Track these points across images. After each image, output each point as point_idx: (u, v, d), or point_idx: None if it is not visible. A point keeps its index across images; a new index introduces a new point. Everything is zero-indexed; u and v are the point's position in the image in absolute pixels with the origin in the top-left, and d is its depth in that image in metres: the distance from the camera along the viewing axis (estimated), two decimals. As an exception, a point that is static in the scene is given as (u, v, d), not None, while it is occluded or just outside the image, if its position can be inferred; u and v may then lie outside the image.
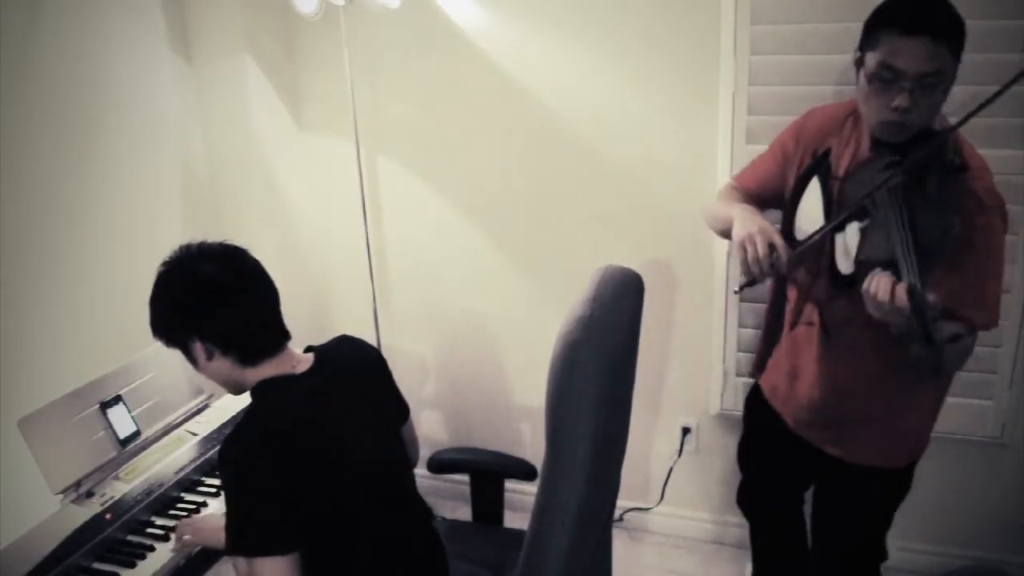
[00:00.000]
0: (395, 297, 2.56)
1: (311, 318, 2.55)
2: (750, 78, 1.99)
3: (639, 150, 2.17)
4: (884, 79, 1.31)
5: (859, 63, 1.39)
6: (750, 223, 1.46)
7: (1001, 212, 1.36)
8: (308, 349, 1.39)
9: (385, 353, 2.50)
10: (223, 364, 1.30)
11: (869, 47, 1.34)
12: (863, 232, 1.37)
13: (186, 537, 1.52)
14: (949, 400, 2.04)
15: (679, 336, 2.31)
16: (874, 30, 1.33)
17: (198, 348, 1.29)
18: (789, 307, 1.63)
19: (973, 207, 1.30)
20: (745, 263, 1.43)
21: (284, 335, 1.34)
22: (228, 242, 1.33)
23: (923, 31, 1.25)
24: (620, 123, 2.17)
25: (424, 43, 2.26)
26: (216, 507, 1.68)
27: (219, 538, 1.40)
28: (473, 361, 2.55)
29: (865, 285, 1.24)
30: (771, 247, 1.41)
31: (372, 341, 2.46)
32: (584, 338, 1.22)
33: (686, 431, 2.38)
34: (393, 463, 1.45)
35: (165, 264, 1.31)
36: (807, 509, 1.86)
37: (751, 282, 1.46)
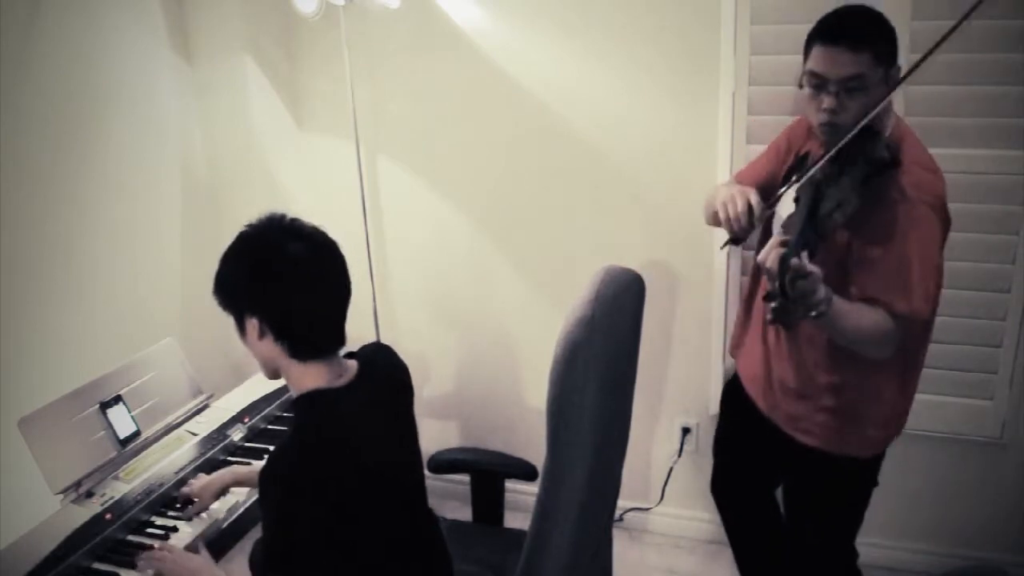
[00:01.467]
0: (395, 297, 2.56)
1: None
2: (750, 78, 1.99)
3: (639, 150, 2.17)
4: (814, 85, 1.47)
5: (801, 76, 1.53)
6: (729, 188, 1.63)
7: (933, 206, 1.44)
8: (348, 355, 1.34)
9: (385, 353, 2.51)
10: (271, 348, 1.22)
11: (805, 57, 1.50)
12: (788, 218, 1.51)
13: (157, 565, 1.41)
14: (949, 400, 2.05)
15: (679, 336, 2.31)
16: (808, 42, 1.50)
17: (252, 324, 1.21)
18: (761, 301, 1.70)
19: (898, 198, 1.42)
20: (727, 221, 1.57)
21: (341, 340, 1.26)
22: (322, 228, 1.26)
23: (840, 41, 1.42)
24: (620, 123, 2.17)
25: (424, 43, 2.26)
26: (205, 518, 1.63)
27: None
28: (473, 361, 2.55)
29: (760, 256, 1.36)
30: (748, 204, 1.55)
31: (372, 341, 2.46)
32: (585, 338, 1.22)
33: (686, 431, 2.38)
34: (414, 474, 1.43)
35: (252, 227, 1.22)
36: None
37: (733, 240, 1.61)
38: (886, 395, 1.60)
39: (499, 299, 2.45)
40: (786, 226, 1.47)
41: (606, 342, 1.23)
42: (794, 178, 1.54)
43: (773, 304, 1.27)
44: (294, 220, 1.24)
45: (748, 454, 1.90)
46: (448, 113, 2.32)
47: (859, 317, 1.41)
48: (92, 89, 1.97)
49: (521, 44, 2.18)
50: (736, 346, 1.87)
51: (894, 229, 1.42)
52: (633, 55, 2.10)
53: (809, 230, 1.37)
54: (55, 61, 1.86)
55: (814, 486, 1.71)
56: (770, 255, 1.31)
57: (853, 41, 1.41)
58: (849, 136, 1.42)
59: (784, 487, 1.84)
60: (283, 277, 1.19)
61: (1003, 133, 1.84)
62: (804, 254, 1.26)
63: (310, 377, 1.24)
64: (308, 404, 1.23)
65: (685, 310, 2.28)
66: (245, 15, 2.25)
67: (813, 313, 1.28)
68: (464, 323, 2.52)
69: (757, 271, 1.77)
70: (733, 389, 1.88)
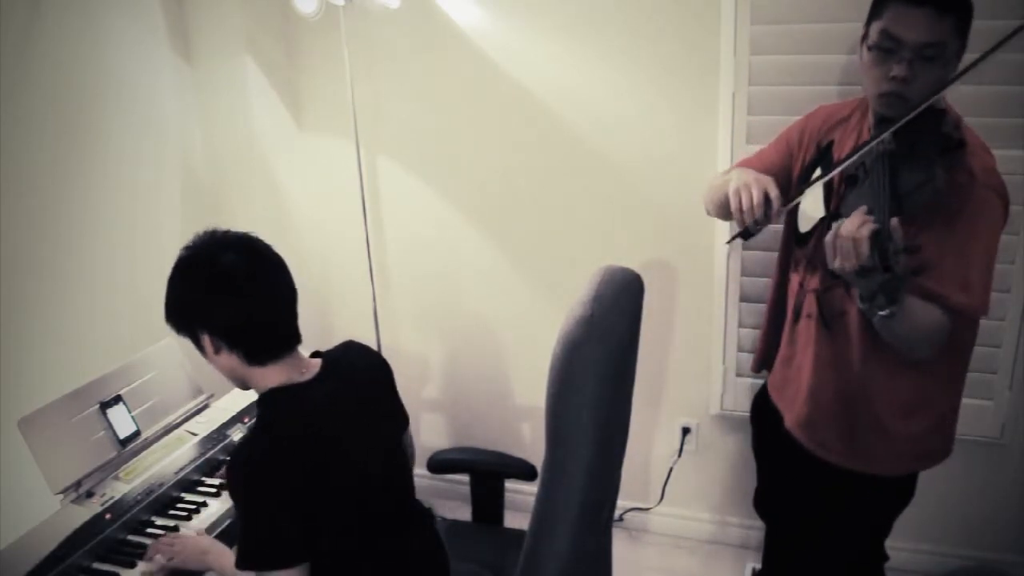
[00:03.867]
0: (395, 297, 2.56)
1: (311, 318, 2.54)
2: (750, 78, 1.99)
3: (639, 149, 2.17)
4: (884, 48, 1.31)
5: (864, 37, 1.38)
6: (746, 175, 1.46)
7: (1000, 194, 1.34)
8: (315, 354, 1.37)
9: (385, 353, 2.51)
10: (230, 359, 1.27)
11: (874, 16, 1.34)
12: (846, 196, 1.37)
13: (158, 557, 1.45)
14: (949, 400, 2.05)
15: (679, 336, 2.31)
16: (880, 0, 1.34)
17: (207, 340, 1.26)
18: (791, 301, 1.62)
19: (965, 181, 1.30)
20: (739, 211, 1.43)
21: (294, 338, 1.31)
22: (253, 235, 1.30)
23: (926, 1, 1.26)
24: (620, 123, 2.17)
25: (424, 43, 2.26)
26: (205, 518, 1.65)
27: (201, 560, 1.40)
28: (473, 361, 2.55)
29: (831, 232, 1.22)
30: (765, 196, 1.40)
31: (372, 341, 2.46)
32: (584, 338, 1.22)
33: (686, 431, 2.38)
34: (396, 470, 1.44)
35: (187, 248, 1.27)
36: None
37: (743, 233, 1.46)
38: (926, 411, 1.48)
39: (499, 299, 2.45)
40: (853, 204, 1.30)
41: (606, 342, 1.23)
42: (835, 167, 1.38)
43: (878, 280, 1.13)
44: (226, 232, 1.28)
45: (781, 468, 1.78)
46: (448, 113, 2.32)
47: (918, 314, 1.27)
48: (92, 89, 1.97)
49: (521, 44, 2.18)
50: (766, 363, 1.76)
51: (960, 215, 1.28)
52: (633, 55, 2.10)
53: (894, 205, 1.22)
54: (55, 61, 1.86)
55: (843, 504, 1.57)
56: (856, 229, 1.15)
57: (938, 2, 1.26)
58: (921, 109, 1.27)
59: (815, 496, 1.68)
60: (222, 289, 1.23)
61: (1003, 133, 1.83)
62: (896, 221, 1.13)
63: (271, 378, 1.28)
64: (270, 399, 1.27)
65: (685, 310, 2.28)
66: (245, 15, 2.25)
67: (884, 312, 1.17)
68: (464, 323, 2.52)
69: (782, 278, 1.68)
70: (761, 399, 1.79)
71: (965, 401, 2.00)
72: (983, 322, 1.94)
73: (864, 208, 1.22)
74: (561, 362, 1.24)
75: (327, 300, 2.63)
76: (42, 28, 1.83)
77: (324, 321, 2.62)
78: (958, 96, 1.84)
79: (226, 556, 1.38)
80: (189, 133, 2.31)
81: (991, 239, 1.34)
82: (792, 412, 1.62)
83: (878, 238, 1.13)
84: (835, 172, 1.40)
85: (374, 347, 2.46)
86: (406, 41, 2.28)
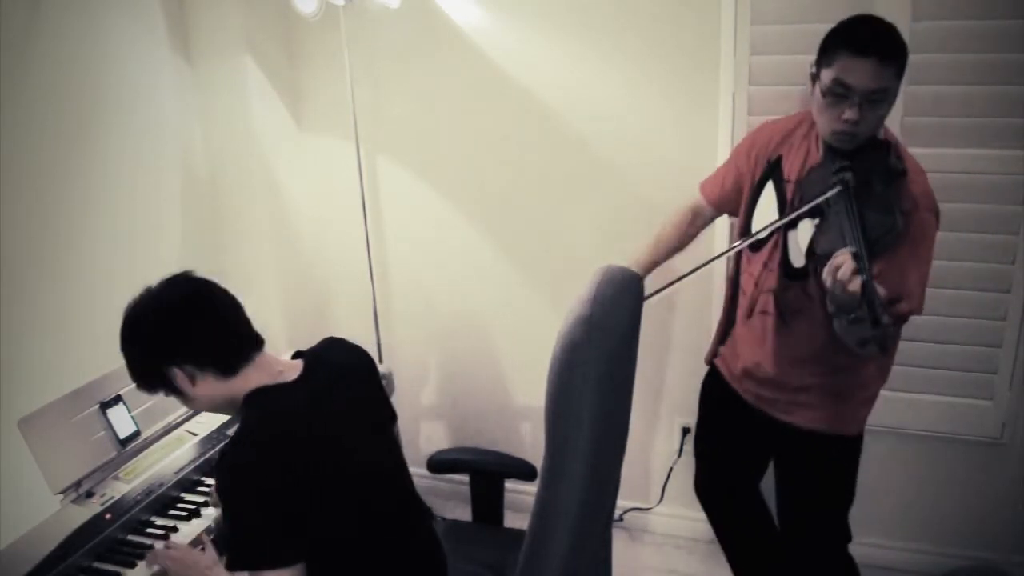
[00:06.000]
0: (395, 297, 2.56)
1: (312, 318, 2.55)
2: (750, 78, 1.99)
3: (639, 149, 2.17)
4: (837, 94, 1.45)
5: (814, 78, 1.52)
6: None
7: (935, 213, 1.52)
8: (296, 355, 1.38)
9: (385, 353, 2.51)
10: (207, 384, 1.28)
11: (825, 64, 1.47)
12: (818, 228, 1.52)
13: (165, 563, 1.42)
14: (949, 400, 2.06)
15: (679, 336, 2.31)
16: (831, 49, 1.46)
17: (179, 377, 1.27)
18: (745, 299, 1.74)
19: (910, 207, 1.46)
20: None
21: (257, 340, 1.33)
22: (171, 275, 1.34)
23: (872, 53, 1.40)
24: (620, 123, 2.17)
25: (424, 43, 2.26)
26: (204, 518, 1.64)
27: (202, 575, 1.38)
28: (473, 361, 2.55)
29: (828, 266, 1.35)
30: None
31: (372, 341, 2.46)
32: (584, 338, 1.22)
33: (686, 431, 2.38)
34: (390, 465, 1.44)
35: (128, 308, 1.31)
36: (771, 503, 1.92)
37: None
38: (873, 378, 1.69)
39: (499, 299, 2.45)
40: (828, 241, 1.46)
41: (605, 342, 1.23)
42: (799, 213, 1.53)
43: (872, 333, 1.28)
44: (149, 286, 1.32)
45: (732, 450, 1.94)
46: (448, 113, 2.32)
47: None
48: (92, 89, 1.97)
49: (521, 44, 2.18)
50: (715, 354, 1.91)
51: (903, 240, 1.44)
52: (633, 55, 2.10)
53: (867, 252, 1.36)
54: (55, 61, 1.86)
55: (810, 468, 1.75)
56: (848, 280, 1.29)
57: (884, 54, 1.41)
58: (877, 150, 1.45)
59: (777, 476, 1.85)
60: (170, 317, 1.28)
61: (1003, 133, 1.84)
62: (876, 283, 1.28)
63: (252, 382, 1.30)
64: (253, 399, 1.28)
65: (685, 310, 2.28)
66: (245, 15, 2.25)
67: (865, 351, 1.33)
68: (464, 323, 2.52)
69: (735, 275, 1.80)
70: (713, 384, 1.93)
71: (965, 401, 2.05)
72: (983, 322, 1.98)
73: (852, 264, 1.33)
74: (561, 362, 1.24)
75: (327, 300, 2.63)
76: (42, 28, 1.83)
77: (324, 321, 2.61)
78: (959, 97, 1.85)
79: None
80: (189, 133, 2.31)
81: (930, 253, 1.52)
82: (753, 391, 1.76)
83: (866, 290, 1.27)
84: (797, 213, 1.53)
85: (374, 347, 2.47)
86: (406, 41, 2.28)
